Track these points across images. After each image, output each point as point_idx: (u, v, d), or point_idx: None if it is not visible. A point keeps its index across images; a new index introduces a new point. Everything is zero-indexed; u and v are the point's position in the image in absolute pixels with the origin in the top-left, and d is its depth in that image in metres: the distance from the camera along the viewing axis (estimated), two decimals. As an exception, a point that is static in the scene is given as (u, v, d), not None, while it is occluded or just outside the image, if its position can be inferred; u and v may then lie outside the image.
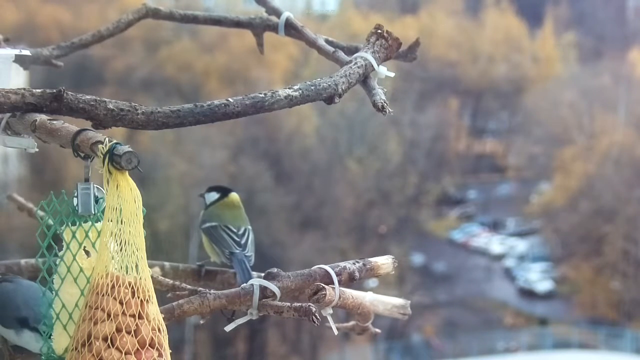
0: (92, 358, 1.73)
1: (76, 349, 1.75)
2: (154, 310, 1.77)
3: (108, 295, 1.74)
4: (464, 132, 39.07)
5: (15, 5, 28.64)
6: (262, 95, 2.08)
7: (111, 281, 1.75)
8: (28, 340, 2.03)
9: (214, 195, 3.10)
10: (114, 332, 1.73)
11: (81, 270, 1.86)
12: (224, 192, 3.12)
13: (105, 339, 1.73)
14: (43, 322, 1.90)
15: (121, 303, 1.74)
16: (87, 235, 1.85)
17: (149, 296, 1.77)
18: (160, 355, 1.76)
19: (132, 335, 1.74)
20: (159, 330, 1.77)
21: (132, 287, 1.75)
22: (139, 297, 1.75)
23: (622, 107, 34.64)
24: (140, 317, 1.75)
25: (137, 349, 1.74)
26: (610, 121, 34.14)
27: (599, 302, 31.47)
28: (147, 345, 1.75)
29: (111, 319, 1.74)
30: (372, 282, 19.03)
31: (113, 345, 1.73)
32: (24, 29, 25.77)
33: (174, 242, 23.38)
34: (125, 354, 1.73)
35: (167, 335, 1.79)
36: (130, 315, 1.74)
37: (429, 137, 34.71)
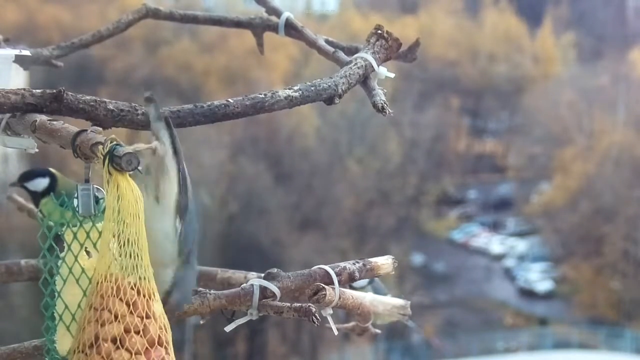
0: (102, 360, 1.73)
1: (83, 351, 1.74)
2: (159, 308, 1.78)
3: (114, 296, 1.74)
4: (464, 132, 39.07)
5: (16, 5, 28.64)
6: (262, 95, 2.08)
7: (115, 282, 1.74)
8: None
9: (42, 182, 2.47)
10: (122, 333, 1.73)
11: (83, 271, 1.86)
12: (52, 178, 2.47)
13: (114, 341, 1.73)
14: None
15: (127, 304, 1.74)
16: (88, 236, 1.85)
17: (153, 295, 1.77)
18: (167, 352, 1.77)
19: (140, 335, 1.74)
20: (164, 328, 1.78)
21: (137, 287, 1.75)
22: (144, 297, 1.75)
23: (621, 107, 34.65)
24: (147, 316, 1.75)
25: (147, 348, 1.74)
26: (609, 121, 34.15)
27: (599, 302, 31.47)
28: (156, 343, 1.75)
29: (119, 320, 1.73)
30: (372, 282, 19.01)
31: (122, 346, 1.73)
32: (24, 29, 25.77)
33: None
34: (135, 354, 1.73)
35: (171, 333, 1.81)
36: (137, 316, 1.74)
37: (429, 137, 34.70)
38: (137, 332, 1.74)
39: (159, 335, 1.76)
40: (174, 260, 1.83)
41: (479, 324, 30.87)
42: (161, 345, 1.76)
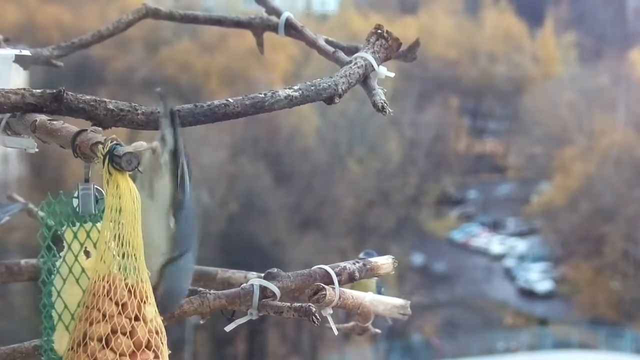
0: (87, 358, 1.71)
1: (72, 348, 1.74)
2: (151, 311, 1.76)
3: (104, 295, 1.73)
4: (464, 132, 39.08)
5: (16, 5, 28.65)
6: (262, 95, 2.08)
7: (108, 282, 1.74)
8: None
9: None
10: (109, 333, 1.72)
11: (83, 270, 1.85)
12: None
13: (100, 340, 1.72)
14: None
15: (117, 304, 1.73)
16: (88, 236, 1.85)
17: (147, 297, 1.76)
18: (156, 357, 1.74)
19: (127, 337, 1.72)
20: (156, 332, 1.76)
21: (130, 288, 1.74)
22: (136, 298, 1.74)
23: (621, 107, 34.66)
24: (136, 318, 1.74)
25: (133, 350, 1.72)
26: (609, 121, 34.16)
27: (599, 302, 31.47)
28: (144, 347, 1.74)
29: (106, 320, 1.72)
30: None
31: (108, 347, 1.72)
32: (24, 29, 25.77)
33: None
34: (120, 355, 1.71)
35: (166, 337, 1.78)
36: (126, 317, 1.73)
37: (429, 137, 34.71)
38: (124, 334, 1.72)
39: (148, 339, 1.74)
40: (162, 257, 1.79)
41: (479, 324, 30.88)
42: (149, 349, 1.74)
